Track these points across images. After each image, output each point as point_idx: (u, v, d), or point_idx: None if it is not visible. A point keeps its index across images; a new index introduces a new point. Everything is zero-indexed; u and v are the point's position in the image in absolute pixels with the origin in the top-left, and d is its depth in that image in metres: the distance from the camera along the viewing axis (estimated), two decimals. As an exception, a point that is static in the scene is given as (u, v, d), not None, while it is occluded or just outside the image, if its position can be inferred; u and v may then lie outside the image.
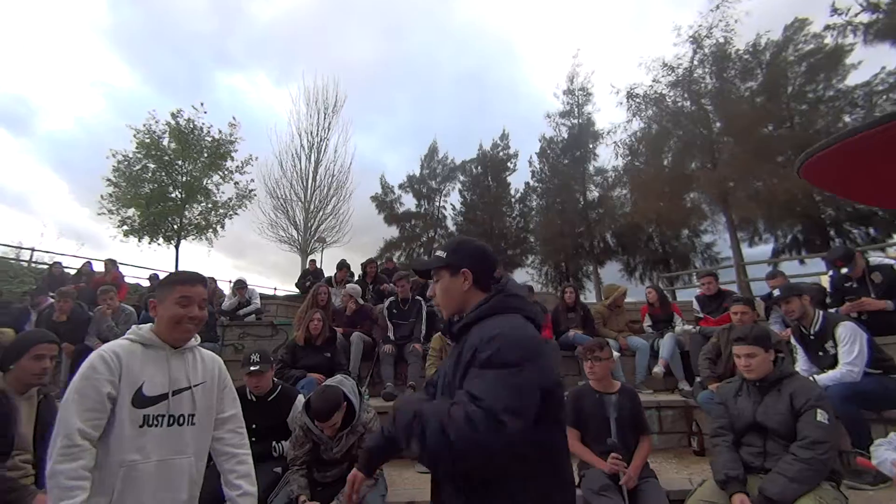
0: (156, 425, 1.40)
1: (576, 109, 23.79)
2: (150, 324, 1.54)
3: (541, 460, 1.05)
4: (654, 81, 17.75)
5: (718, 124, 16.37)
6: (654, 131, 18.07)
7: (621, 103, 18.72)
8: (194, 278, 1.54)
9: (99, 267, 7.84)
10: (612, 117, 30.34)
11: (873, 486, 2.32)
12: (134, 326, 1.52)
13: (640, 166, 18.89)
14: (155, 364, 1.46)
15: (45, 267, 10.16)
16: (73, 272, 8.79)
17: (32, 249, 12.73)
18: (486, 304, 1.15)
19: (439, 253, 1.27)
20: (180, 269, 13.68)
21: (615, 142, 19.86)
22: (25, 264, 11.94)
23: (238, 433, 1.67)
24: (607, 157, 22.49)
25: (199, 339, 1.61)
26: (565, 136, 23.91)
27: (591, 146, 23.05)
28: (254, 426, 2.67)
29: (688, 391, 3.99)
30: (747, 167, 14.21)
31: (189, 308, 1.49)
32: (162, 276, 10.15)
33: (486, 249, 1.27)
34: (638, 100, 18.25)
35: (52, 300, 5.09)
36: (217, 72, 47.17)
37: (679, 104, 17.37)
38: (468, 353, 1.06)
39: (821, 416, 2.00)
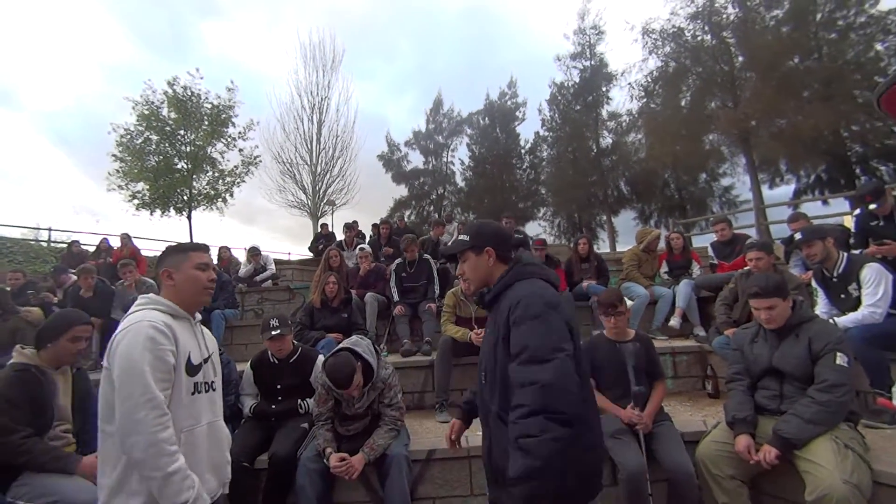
0: (200, 392, 1.47)
1: (587, 50, 22.45)
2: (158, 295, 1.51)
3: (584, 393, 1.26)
4: (671, 14, 16.49)
5: (741, 58, 15.29)
6: (671, 69, 17.00)
7: (636, 40, 17.52)
8: (203, 246, 1.61)
9: (115, 242, 7.99)
10: (626, 57, 28.53)
11: (891, 426, 2.33)
12: (151, 296, 1.48)
13: (655, 108, 17.98)
14: (188, 333, 1.48)
15: (64, 246, 10.36)
16: (91, 249, 9.00)
17: (50, 229, 12.95)
18: (509, 274, 1.40)
19: (462, 237, 1.51)
20: (194, 238, 13.96)
21: (629, 83, 18.82)
22: (45, 244, 12.24)
23: None
24: (621, 100, 21.43)
25: (199, 316, 1.63)
26: (577, 79, 22.76)
27: (603, 89, 22.00)
28: (279, 386, 2.79)
29: (703, 336, 4.00)
30: (771, 104, 13.38)
31: (208, 272, 1.55)
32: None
33: (503, 228, 1.55)
34: (654, 35, 17.04)
35: (74, 277, 5.23)
36: (203, 24, 44.92)
37: (699, 38, 16.19)
38: (503, 316, 1.30)
39: (840, 359, 1.98)
